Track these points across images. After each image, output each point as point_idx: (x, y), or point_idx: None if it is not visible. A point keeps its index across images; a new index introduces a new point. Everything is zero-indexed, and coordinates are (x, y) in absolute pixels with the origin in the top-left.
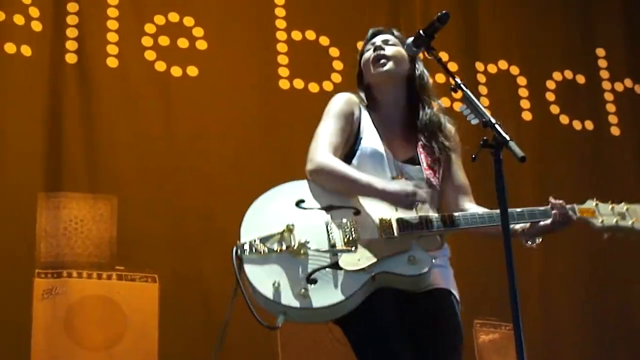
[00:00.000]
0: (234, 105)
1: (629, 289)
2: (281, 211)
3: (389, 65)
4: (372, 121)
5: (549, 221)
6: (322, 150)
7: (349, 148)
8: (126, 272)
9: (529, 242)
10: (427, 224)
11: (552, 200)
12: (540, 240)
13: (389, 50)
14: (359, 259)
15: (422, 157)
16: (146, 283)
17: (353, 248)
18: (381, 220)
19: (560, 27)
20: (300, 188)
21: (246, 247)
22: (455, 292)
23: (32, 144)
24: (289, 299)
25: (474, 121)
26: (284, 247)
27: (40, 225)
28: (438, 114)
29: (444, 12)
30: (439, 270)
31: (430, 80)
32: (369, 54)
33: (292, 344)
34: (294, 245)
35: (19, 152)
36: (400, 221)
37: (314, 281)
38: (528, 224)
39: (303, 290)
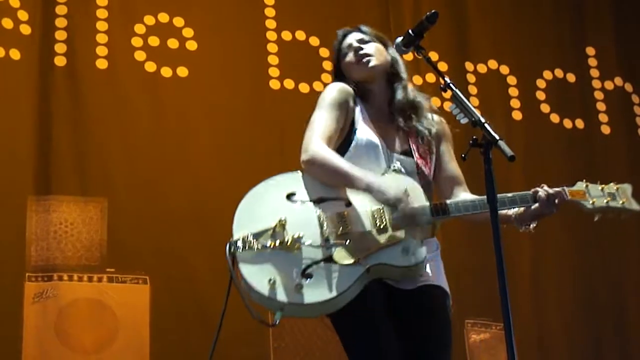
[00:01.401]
0: (225, 106)
1: (619, 284)
2: (273, 205)
3: (373, 61)
4: (366, 112)
5: (538, 204)
6: (316, 140)
7: (343, 138)
8: (117, 274)
9: (524, 227)
10: (419, 214)
11: (537, 188)
12: (535, 224)
13: (368, 48)
14: (353, 251)
15: (414, 147)
16: (137, 285)
17: (346, 241)
18: (373, 211)
19: (550, 25)
20: (291, 180)
21: (239, 243)
22: (445, 286)
23: (21, 147)
24: (284, 295)
25: (464, 120)
26: (277, 243)
27: (30, 229)
28: (410, 94)
29: (433, 11)
30: (429, 264)
31: (402, 63)
32: (350, 56)
33: (284, 340)
34: (287, 241)
35: (9, 155)
36: (394, 213)
37: (309, 276)
38: (521, 210)
39: (298, 286)
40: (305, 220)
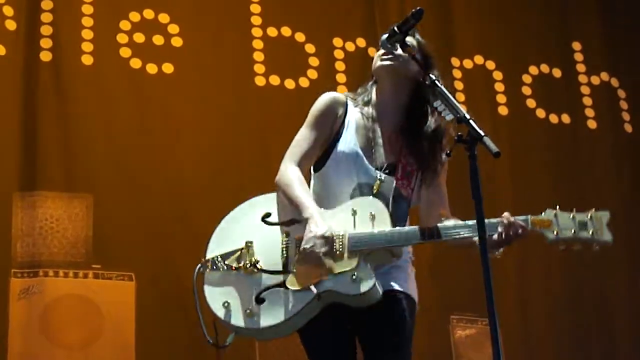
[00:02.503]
0: (210, 102)
1: (605, 276)
2: (246, 227)
3: (392, 62)
4: (363, 119)
5: (495, 236)
6: (289, 161)
7: (325, 148)
8: (102, 271)
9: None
10: (380, 240)
11: (504, 215)
12: (501, 251)
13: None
14: (305, 277)
15: (401, 165)
16: (122, 281)
17: (301, 267)
18: (335, 236)
19: (536, 21)
20: (270, 201)
21: (208, 263)
22: (406, 290)
23: (6, 143)
24: (236, 319)
25: (449, 117)
26: (240, 265)
27: (16, 225)
28: (443, 127)
29: (418, 8)
30: (393, 271)
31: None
32: (380, 50)
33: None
34: (247, 264)
35: None
36: (352, 238)
37: (262, 301)
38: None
39: (249, 311)
40: (271, 244)
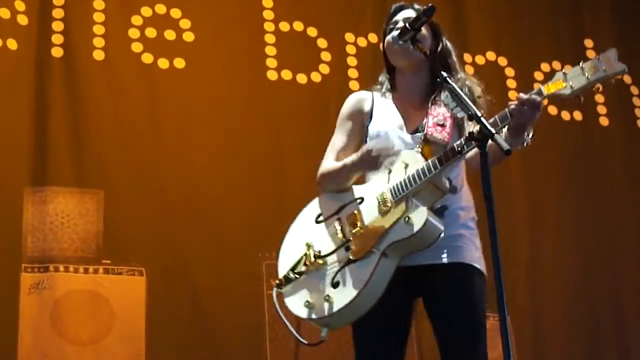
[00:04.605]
0: (222, 97)
1: (618, 272)
2: (302, 233)
3: (404, 44)
4: (390, 102)
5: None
6: (323, 161)
7: (365, 136)
8: (113, 266)
9: (522, 144)
10: (414, 179)
11: (516, 96)
12: (530, 134)
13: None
14: (365, 243)
15: (430, 118)
16: (133, 277)
17: (359, 237)
18: (377, 197)
19: (548, 17)
20: (317, 205)
21: (282, 281)
22: (468, 261)
23: (18, 138)
24: (319, 311)
25: (460, 114)
26: (308, 266)
27: (26, 220)
28: (466, 84)
29: (429, 5)
30: (454, 243)
31: (454, 55)
32: (389, 35)
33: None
34: (312, 260)
35: (5, 146)
36: (392, 189)
37: (337, 284)
38: (506, 132)
39: (328, 298)
40: (328, 234)
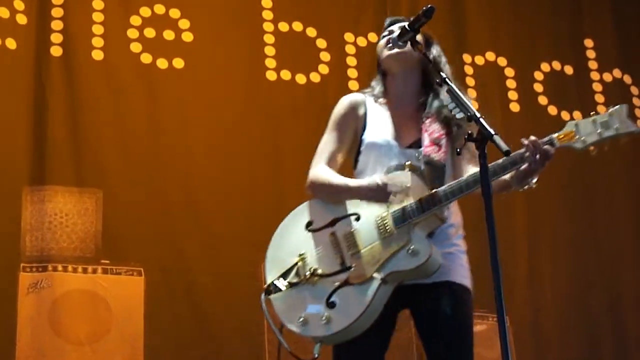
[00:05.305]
0: (221, 97)
1: (617, 273)
2: (295, 240)
3: (398, 50)
4: (382, 109)
5: (527, 164)
6: (315, 164)
7: (357, 144)
8: (111, 266)
9: (525, 187)
10: (417, 209)
11: (523, 140)
12: (535, 179)
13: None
14: (365, 268)
15: (426, 135)
16: (132, 277)
17: (358, 260)
18: (377, 219)
19: (548, 17)
20: (308, 209)
21: (271, 287)
22: (458, 280)
23: (17, 137)
24: (314, 330)
25: (459, 115)
26: (301, 279)
27: (25, 219)
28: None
29: (429, 6)
30: (448, 262)
31: (447, 65)
32: (383, 40)
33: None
34: (307, 275)
35: (4, 145)
36: (394, 216)
37: (333, 305)
38: (514, 172)
39: (325, 317)
40: (322, 248)
